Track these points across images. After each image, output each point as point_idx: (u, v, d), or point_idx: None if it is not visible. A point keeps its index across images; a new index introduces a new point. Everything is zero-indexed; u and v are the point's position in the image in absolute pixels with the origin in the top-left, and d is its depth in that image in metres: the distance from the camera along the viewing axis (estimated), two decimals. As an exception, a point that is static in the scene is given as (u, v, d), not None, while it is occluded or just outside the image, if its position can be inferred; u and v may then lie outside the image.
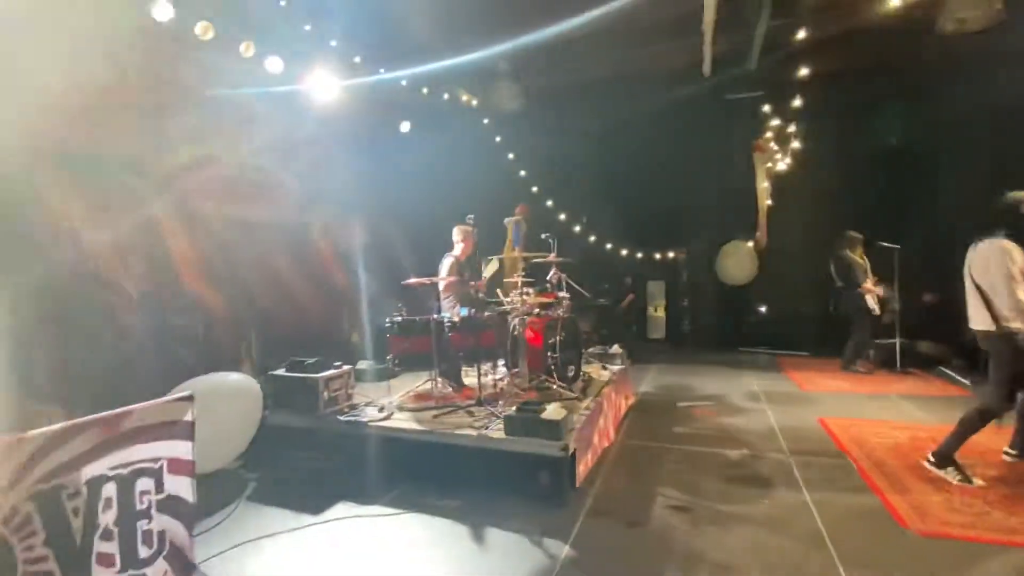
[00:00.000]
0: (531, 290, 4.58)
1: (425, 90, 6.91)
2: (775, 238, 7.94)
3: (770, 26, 5.89)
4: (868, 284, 6.21)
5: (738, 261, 8.14)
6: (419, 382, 4.38)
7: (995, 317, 3.06)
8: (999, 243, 3.09)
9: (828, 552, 2.54)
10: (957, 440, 3.21)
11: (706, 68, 7.28)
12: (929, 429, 4.09)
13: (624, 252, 8.99)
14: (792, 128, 7.44)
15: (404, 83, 6.57)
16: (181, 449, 2.54)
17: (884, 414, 4.66)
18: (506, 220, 5.54)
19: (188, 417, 2.60)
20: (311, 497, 3.25)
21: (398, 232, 8.10)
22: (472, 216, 4.50)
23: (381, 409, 3.81)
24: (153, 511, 2.38)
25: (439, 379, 4.06)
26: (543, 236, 4.93)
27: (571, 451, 3.10)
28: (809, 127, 7.49)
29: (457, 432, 3.38)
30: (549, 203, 8.32)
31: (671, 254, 8.94)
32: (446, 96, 7.32)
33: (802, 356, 7.47)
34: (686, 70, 7.17)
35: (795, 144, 7.61)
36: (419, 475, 3.44)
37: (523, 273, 4.90)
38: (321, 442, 3.75)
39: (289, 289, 5.28)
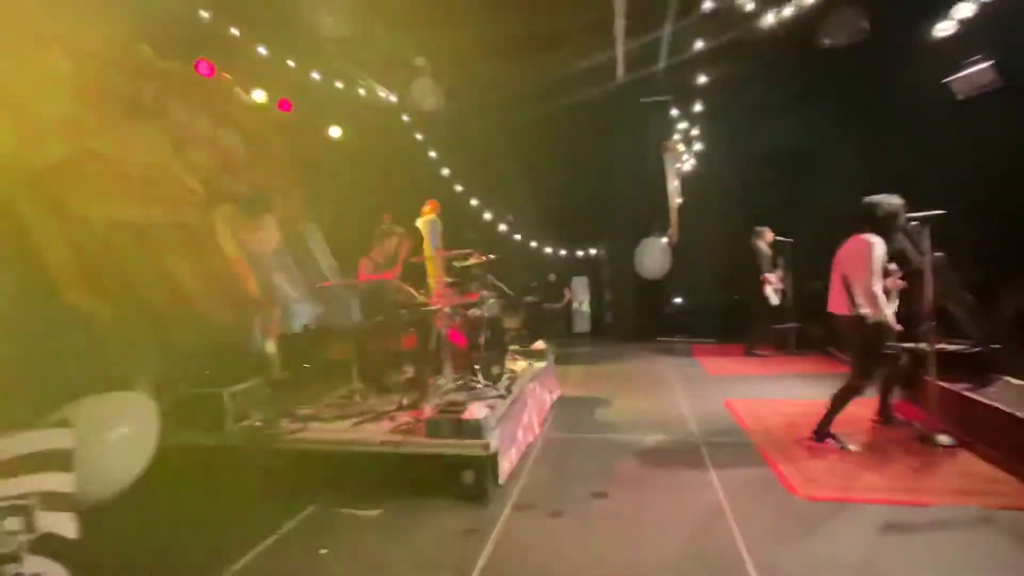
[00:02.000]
0: (455, 290, 4.57)
1: (340, 84, 6.67)
2: (686, 234, 8.48)
3: (674, 35, 6.27)
4: (768, 276, 6.80)
5: (654, 256, 8.61)
6: (338, 390, 4.23)
7: (854, 304, 3.46)
8: (863, 239, 3.50)
9: (727, 521, 2.77)
10: (831, 414, 3.61)
11: (619, 72, 7.61)
12: (817, 405, 4.50)
13: (549, 249, 9.21)
14: (696, 131, 7.96)
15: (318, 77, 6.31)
16: (57, 482, 2.29)
17: (780, 393, 5.13)
18: (418, 220, 5.43)
19: (65, 445, 2.34)
20: (214, 525, 3.04)
21: (322, 231, 7.78)
22: (389, 215, 4.40)
23: (296, 420, 3.64)
24: (24, 553, 2.13)
25: (359, 385, 3.94)
26: (465, 235, 4.93)
27: (494, 449, 3.13)
28: (712, 130, 8.05)
29: (377, 439, 3.30)
30: (474, 202, 8.34)
31: (593, 251, 9.28)
32: (363, 92, 7.10)
33: (712, 343, 8.04)
34: (603, 73, 7.47)
35: (699, 146, 8.15)
36: (339, 486, 3.32)
37: (447, 272, 4.88)
38: (230, 461, 3.50)
39: (191, 296, 4.89)
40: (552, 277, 9.55)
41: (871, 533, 2.58)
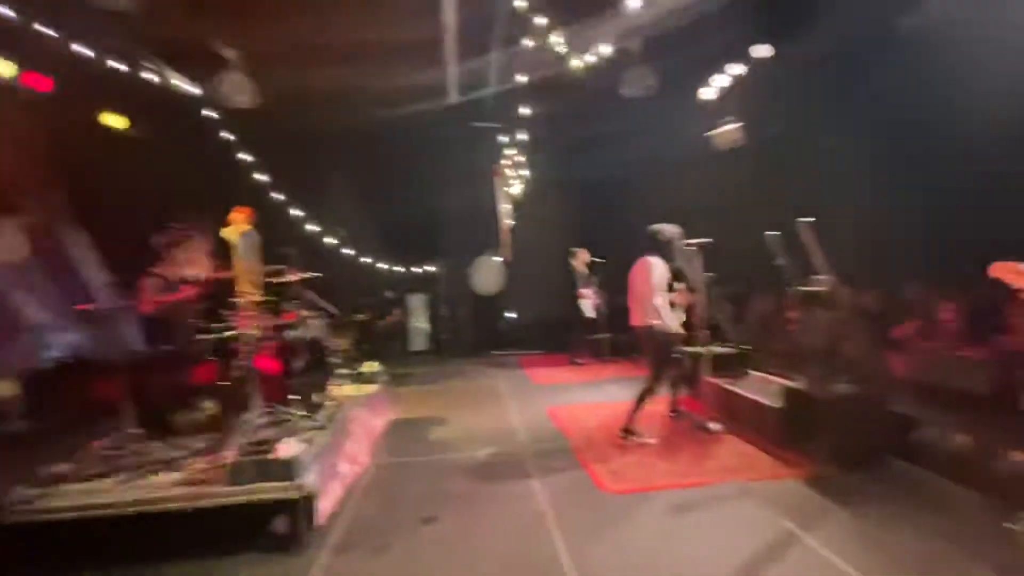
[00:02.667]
0: (267, 310, 4.06)
1: (118, 64, 5.55)
2: (518, 253, 9.00)
3: (500, 66, 6.64)
4: (583, 291, 7.54)
5: (489, 273, 8.94)
6: (103, 440, 3.40)
7: (646, 316, 4.04)
8: (648, 260, 4.11)
9: (545, 522, 2.93)
10: (634, 413, 4.11)
11: (452, 94, 7.78)
12: (625, 405, 5.13)
13: (385, 266, 8.91)
14: (522, 158, 8.55)
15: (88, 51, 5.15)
16: None
17: (596, 397, 5.68)
18: (224, 231, 4.63)
19: None
20: None
21: (88, 239, 6.27)
22: (177, 224, 3.69)
23: (41, 484, 2.80)
24: None
25: (136, 430, 3.22)
26: (281, 249, 4.42)
27: (310, 489, 2.81)
28: (537, 158, 8.73)
29: (160, 494, 2.72)
30: (296, 213, 7.65)
31: (430, 268, 9.25)
32: (153, 78, 6.02)
33: (539, 355, 8.61)
34: (436, 92, 7.55)
35: (525, 172, 8.77)
36: (109, 559, 2.64)
37: (259, 290, 4.32)
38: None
39: None
40: (388, 294, 9.24)
41: (665, 515, 2.97)
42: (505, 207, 8.79)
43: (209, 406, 3.87)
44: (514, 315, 9.59)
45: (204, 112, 6.83)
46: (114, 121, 6.30)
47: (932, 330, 4.63)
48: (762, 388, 4.29)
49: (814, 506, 2.98)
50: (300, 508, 2.74)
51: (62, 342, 4.80)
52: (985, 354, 3.75)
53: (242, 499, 2.73)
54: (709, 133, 6.99)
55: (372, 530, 2.96)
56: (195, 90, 6.49)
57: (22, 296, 5.27)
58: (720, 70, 6.49)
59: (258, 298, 4.02)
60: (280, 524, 2.87)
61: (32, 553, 2.71)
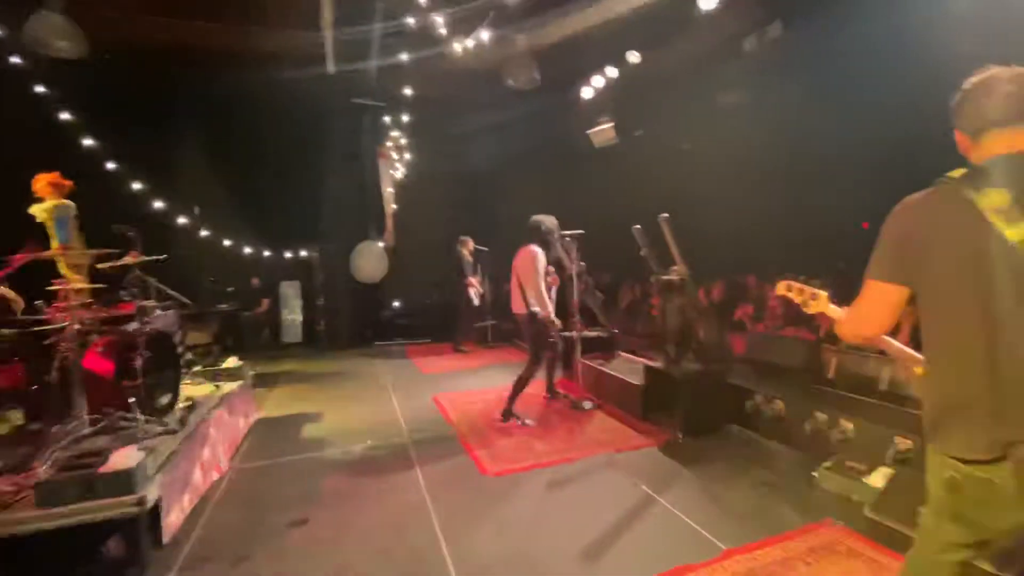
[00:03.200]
0: (96, 299, 3.46)
1: None
2: (402, 239, 8.72)
3: (384, 42, 6.34)
4: (471, 279, 7.58)
5: (371, 260, 8.54)
6: None
7: (527, 304, 4.20)
8: (530, 249, 4.25)
9: (427, 510, 2.93)
10: (513, 397, 4.26)
11: (330, 65, 7.25)
12: (507, 389, 5.28)
13: (250, 251, 8.07)
14: (407, 140, 8.30)
15: None
16: None
17: (480, 383, 5.76)
18: (37, 208, 3.79)
19: None
20: None
21: None
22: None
23: None
24: None
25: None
26: (116, 228, 3.76)
27: (153, 502, 2.47)
28: (424, 143, 8.53)
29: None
30: (137, 186, 6.61)
31: (304, 253, 8.59)
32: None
33: (426, 343, 8.50)
34: (314, 62, 6.96)
35: (410, 156, 8.53)
36: None
37: (85, 277, 3.65)
38: None
39: None
40: (255, 282, 8.40)
41: (540, 492, 3.12)
42: (389, 191, 8.47)
43: (15, 415, 3.21)
44: (397, 303, 9.33)
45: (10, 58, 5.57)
46: None
47: (763, 314, 5.45)
48: (628, 368, 4.70)
49: (667, 470, 3.34)
50: (140, 526, 2.39)
51: None
52: (801, 335, 4.52)
53: (59, 523, 2.31)
54: (588, 131, 7.40)
55: (231, 541, 2.69)
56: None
57: None
58: (597, 71, 6.87)
59: (83, 285, 3.41)
60: (112, 547, 2.49)
61: None
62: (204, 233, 7.48)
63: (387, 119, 8.09)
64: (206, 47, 6.11)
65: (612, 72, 6.73)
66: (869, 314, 1.42)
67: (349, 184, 8.38)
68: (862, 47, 4.66)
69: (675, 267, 4.02)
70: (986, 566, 1.89)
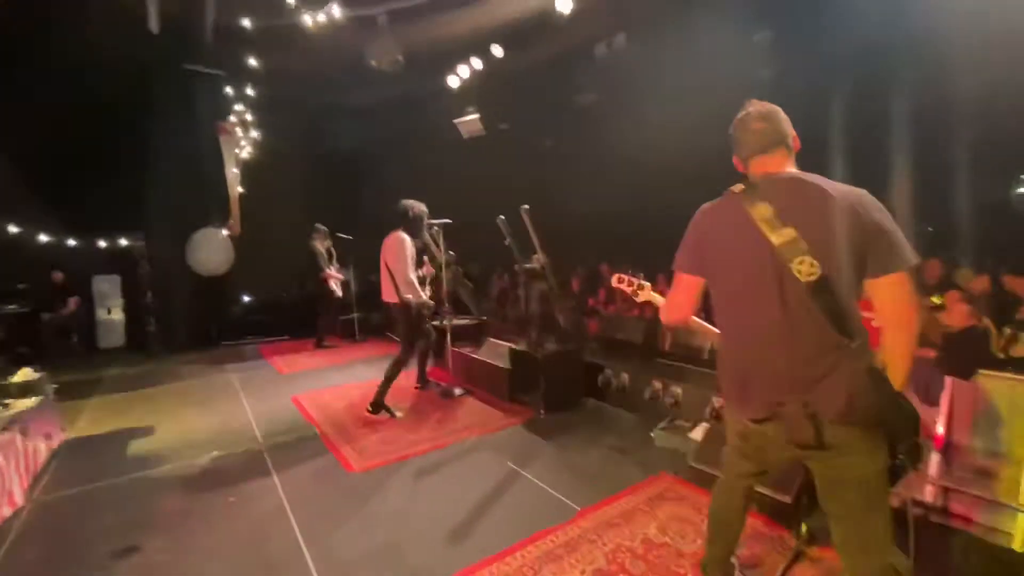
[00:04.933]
0: None
1: None
2: (251, 226, 7.87)
3: (220, 3, 5.63)
4: (330, 271, 7.13)
5: (214, 249, 7.58)
6: None
7: (399, 291, 4.12)
8: (399, 235, 4.16)
9: (286, 515, 2.75)
10: (384, 388, 4.16)
11: (153, 24, 6.23)
12: (375, 384, 5.10)
13: (48, 239, 6.64)
14: (253, 116, 7.50)
15: None
16: None
17: (346, 379, 5.51)
18: None
19: None
20: None
21: None
22: None
23: None
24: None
25: None
26: None
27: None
28: (272, 119, 7.76)
29: None
30: None
31: (125, 242, 7.31)
32: None
33: (284, 340, 7.85)
34: (134, 21, 5.89)
35: (255, 134, 7.73)
36: None
37: None
38: None
39: None
40: (57, 276, 6.95)
41: (409, 483, 3.11)
42: (234, 172, 7.57)
43: None
44: (248, 298, 8.43)
45: None
46: None
47: (614, 298, 6.04)
48: (495, 352, 4.87)
49: (530, 445, 3.57)
50: None
51: None
52: (642, 315, 5.11)
53: None
54: (455, 120, 7.41)
55: (32, 586, 2.24)
56: None
57: None
58: (463, 61, 6.90)
59: None
60: None
61: None
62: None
63: (229, 91, 7.20)
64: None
65: (477, 63, 6.82)
66: (677, 300, 1.74)
67: (184, 162, 7.29)
68: (696, 59, 5.36)
69: (536, 255, 4.26)
70: (764, 489, 2.43)
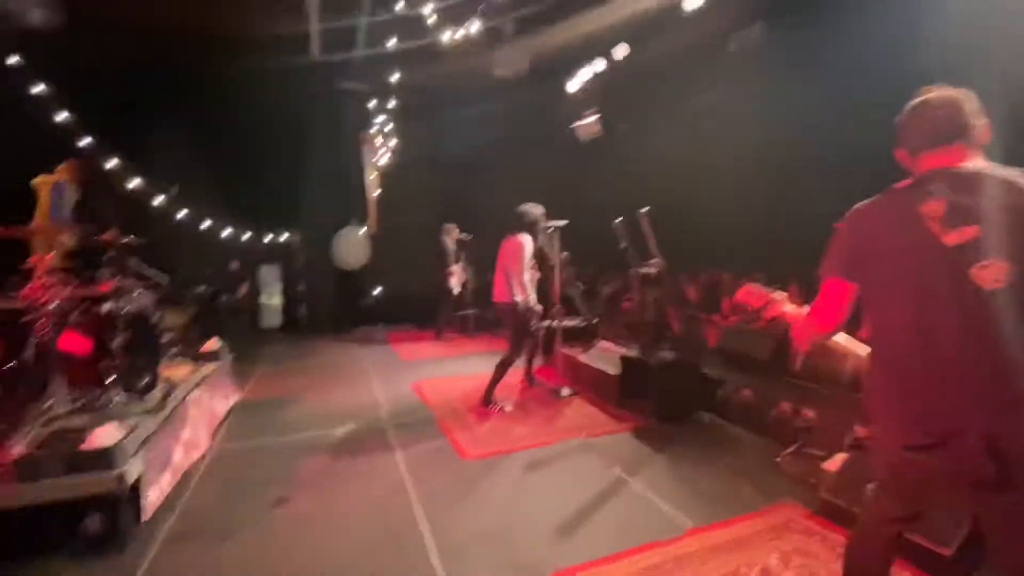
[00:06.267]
0: (73, 277, 3.41)
1: None
2: (384, 226, 8.69)
3: (371, 26, 6.28)
4: (453, 267, 7.61)
5: (353, 245, 8.51)
6: None
7: (512, 292, 4.27)
8: (519, 239, 4.32)
9: (406, 491, 3.00)
10: (494, 383, 4.35)
11: (314, 49, 7.16)
12: (487, 377, 5.36)
13: (230, 233, 7.97)
14: (392, 126, 8.24)
15: None
16: None
17: (460, 370, 5.84)
18: (36, 180, 3.85)
19: None
20: None
21: None
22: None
23: None
24: None
25: None
26: (95, 206, 3.73)
27: (133, 479, 2.49)
28: (408, 128, 8.47)
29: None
30: (114, 162, 6.46)
31: (285, 237, 8.50)
32: None
33: (407, 330, 8.53)
34: (298, 45, 6.87)
35: (394, 141, 8.47)
36: None
37: (63, 253, 3.61)
38: None
39: None
40: (234, 265, 8.30)
41: (518, 474, 3.22)
42: (372, 177, 8.41)
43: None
44: (380, 290, 9.31)
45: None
46: None
47: (736, 308, 5.63)
48: (605, 357, 4.83)
49: (640, 454, 3.48)
50: (121, 502, 2.42)
51: None
52: (769, 329, 4.69)
53: (39, 499, 2.32)
54: (573, 124, 7.45)
55: (213, 519, 2.73)
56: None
57: None
58: (585, 64, 6.92)
59: (61, 263, 3.37)
60: (92, 523, 2.51)
61: None
62: (182, 214, 7.35)
63: (371, 105, 8.02)
64: (189, 27, 5.97)
65: (599, 65, 6.79)
66: (824, 309, 1.55)
67: (332, 169, 8.30)
68: (847, 50, 4.79)
69: (653, 260, 4.14)
70: (916, 536, 2.07)
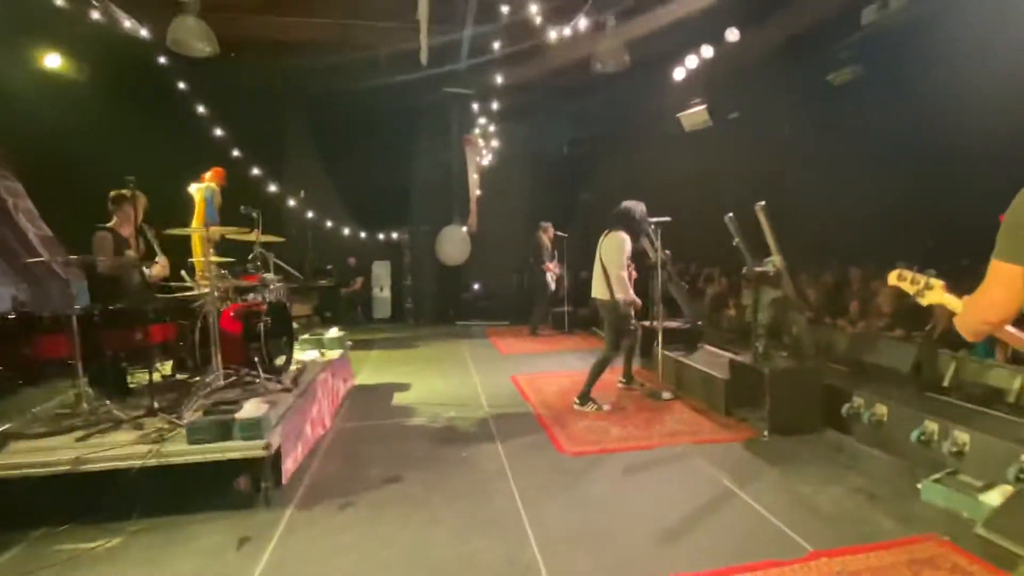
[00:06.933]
0: (227, 272, 3.97)
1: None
2: (484, 224, 9.00)
3: (476, 32, 6.50)
4: (549, 265, 7.67)
5: (454, 243, 8.91)
6: (53, 399, 3.30)
7: (610, 289, 4.20)
8: (619, 235, 4.23)
9: (507, 479, 3.09)
10: (591, 382, 4.30)
11: (423, 57, 7.56)
12: (583, 374, 5.34)
13: (348, 232, 8.74)
14: (494, 127, 8.47)
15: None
16: None
17: (556, 367, 5.87)
18: (192, 187, 4.57)
19: None
20: None
21: (21, 191, 5.85)
22: (132, 179, 3.48)
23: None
24: None
25: (87, 390, 3.13)
26: (244, 209, 4.30)
27: (275, 448, 2.85)
28: (507, 129, 8.67)
29: (112, 454, 2.68)
30: (255, 171, 7.37)
31: (395, 235, 9.14)
32: (97, 16, 5.58)
33: (504, 325, 8.75)
34: (408, 55, 7.31)
35: (495, 142, 8.70)
36: (58, 518, 2.62)
37: (219, 251, 4.21)
38: None
39: None
40: (351, 261, 9.09)
41: (616, 475, 3.17)
42: (474, 177, 8.73)
43: (166, 366, 3.81)
44: (478, 286, 9.66)
45: (159, 59, 6.37)
46: (54, 64, 5.85)
47: (867, 311, 5.02)
48: (710, 360, 4.57)
49: (750, 467, 3.25)
50: (266, 466, 2.77)
51: (1, 297, 4.54)
52: (910, 336, 4.13)
53: (205, 457, 2.74)
54: (679, 115, 7.12)
55: (336, 488, 3.03)
56: (144, 33, 6.05)
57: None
58: (692, 51, 6.57)
59: (217, 259, 3.92)
60: (242, 483, 2.91)
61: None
62: (308, 216, 8.20)
63: (475, 107, 8.31)
64: (311, 42, 6.63)
65: (707, 51, 6.41)
66: (993, 298, 1.32)
67: (438, 171, 8.77)
68: (1000, 31, 4.08)
69: (770, 258, 3.83)
70: None
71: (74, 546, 2.45)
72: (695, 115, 7.14)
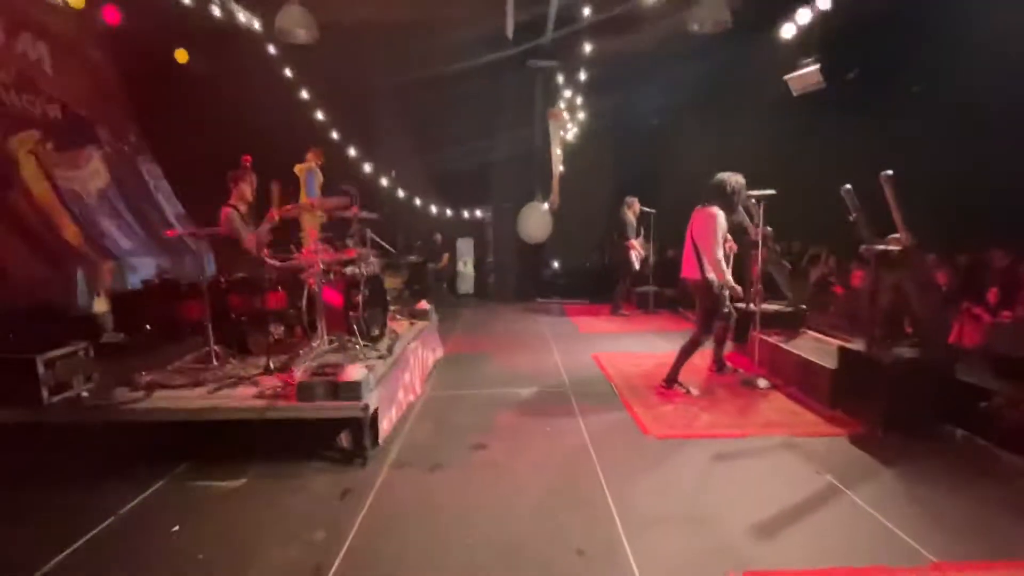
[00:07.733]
0: (330, 246, 4.26)
1: (186, -1, 5.64)
2: (565, 201, 8.86)
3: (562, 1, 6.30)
4: (633, 241, 7.40)
5: (536, 221, 8.88)
6: (190, 354, 3.77)
7: (702, 269, 3.95)
8: (711, 211, 3.96)
9: (591, 457, 3.08)
10: (679, 364, 4.13)
11: (509, 31, 7.49)
12: (669, 356, 5.13)
13: (434, 209, 9.03)
14: (580, 100, 8.22)
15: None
16: None
17: (639, 347, 5.72)
18: (297, 167, 4.96)
19: None
20: (37, 513, 2.59)
21: (160, 172, 6.68)
22: (248, 158, 3.83)
23: (137, 389, 3.18)
24: None
25: (215, 349, 3.54)
26: (343, 188, 4.57)
27: (372, 410, 3.06)
28: (591, 101, 8.38)
29: (238, 405, 3.03)
30: (352, 152, 7.78)
31: (478, 212, 9.30)
32: (218, 14, 6.10)
33: (583, 303, 8.65)
34: (493, 30, 7.28)
35: (581, 116, 8.46)
36: (193, 459, 3.03)
37: (322, 227, 4.53)
38: (50, 439, 2.97)
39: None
40: (438, 237, 9.41)
41: (705, 462, 3.05)
42: (558, 153, 8.59)
43: (280, 330, 4.20)
44: (558, 263, 9.60)
45: (267, 47, 6.86)
46: (182, 56, 6.51)
47: (1012, 298, 4.34)
48: (814, 347, 4.20)
49: (860, 465, 2.97)
50: (365, 426, 2.99)
51: (146, 266, 5.25)
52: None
53: (310, 415, 3.01)
54: (786, 76, 6.47)
55: (426, 452, 3.20)
56: (256, 24, 6.54)
57: (107, 223, 5.74)
58: (804, 4, 5.89)
59: (321, 233, 4.22)
60: (344, 439, 3.18)
61: (133, 448, 3.13)
62: (398, 194, 8.56)
63: (560, 79, 8.12)
64: (400, 25, 6.79)
65: (824, 3, 5.70)
66: None
67: (521, 147, 8.73)
68: None
69: (895, 235, 3.40)
70: None
71: (208, 483, 2.81)
72: (806, 76, 6.42)
